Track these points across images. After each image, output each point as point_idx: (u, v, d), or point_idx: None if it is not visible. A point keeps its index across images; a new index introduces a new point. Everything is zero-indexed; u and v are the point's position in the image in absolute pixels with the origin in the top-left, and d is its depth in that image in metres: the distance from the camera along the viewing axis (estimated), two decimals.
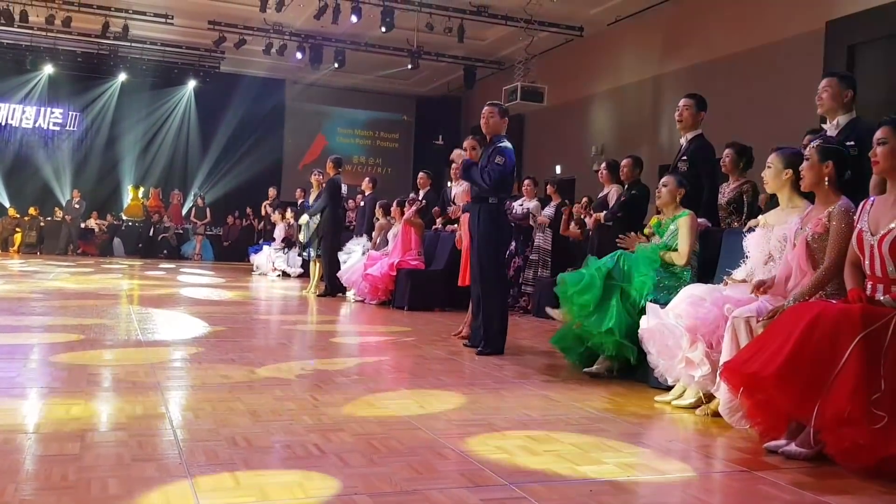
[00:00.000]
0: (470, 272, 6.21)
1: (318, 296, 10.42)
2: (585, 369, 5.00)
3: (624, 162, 7.73)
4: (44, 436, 3.06)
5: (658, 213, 5.33)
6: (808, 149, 3.73)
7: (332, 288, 10.41)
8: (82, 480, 2.55)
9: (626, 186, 7.70)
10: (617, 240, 5.35)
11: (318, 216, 10.52)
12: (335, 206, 10.52)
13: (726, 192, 5.99)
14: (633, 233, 5.34)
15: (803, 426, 3.12)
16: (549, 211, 9.86)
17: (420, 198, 10.24)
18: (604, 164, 8.40)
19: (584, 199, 10.01)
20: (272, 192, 16.75)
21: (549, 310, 5.25)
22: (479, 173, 5.79)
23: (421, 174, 10.91)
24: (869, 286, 3.24)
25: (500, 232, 5.95)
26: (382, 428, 3.38)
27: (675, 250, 4.98)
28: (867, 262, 3.25)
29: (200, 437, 3.11)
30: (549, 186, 10.20)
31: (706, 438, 3.56)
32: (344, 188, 10.57)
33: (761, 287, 3.75)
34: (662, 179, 5.20)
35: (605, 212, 7.84)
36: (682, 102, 5.81)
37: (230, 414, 3.51)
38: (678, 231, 4.99)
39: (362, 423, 3.44)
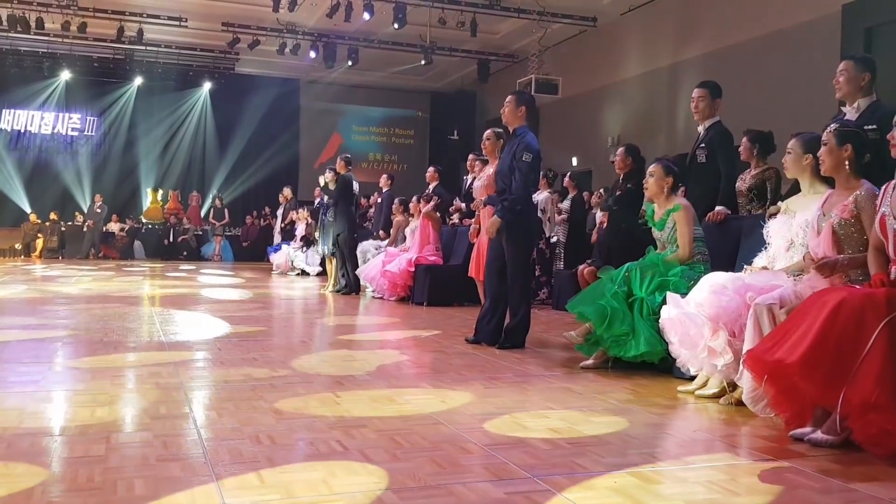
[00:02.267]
0: (486, 266, 6.13)
1: (334, 292, 10.47)
2: (581, 364, 4.95)
3: (619, 152, 7.64)
4: (69, 438, 3.08)
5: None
6: (825, 133, 3.69)
7: (350, 285, 10.44)
8: (108, 481, 2.56)
9: (622, 178, 7.62)
10: None
11: (332, 213, 10.56)
12: (347, 204, 10.55)
13: (747, 178, 5.94)
14: None
15: (829, 413, 3.09)
16: (565, 204, 9.85)
17: (430, 192, 10.26)
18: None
19: (601, 190, 9.99)
20: (288, 191, 16.71)
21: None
22: (511, 181, 5.64)
23: (430, 169, 10.94)
24: (893, 270, 3.20)
25: (529, 226, 5.89)
26: (405, 423, 3.38)
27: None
28: (891, 246, 3.21)
29: (224, 436, 3.13)
30: (566, 179, 10.18)
31: (731, 428, 3.54)
32: (356, 185, 10.63)
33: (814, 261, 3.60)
34: (649, 168, 5.10)
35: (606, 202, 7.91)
36: (695, 93, 5.76)
37: (253, 412, 3.53)
38: (675, 227, 4.91)
39: (385, 419, 3.44)
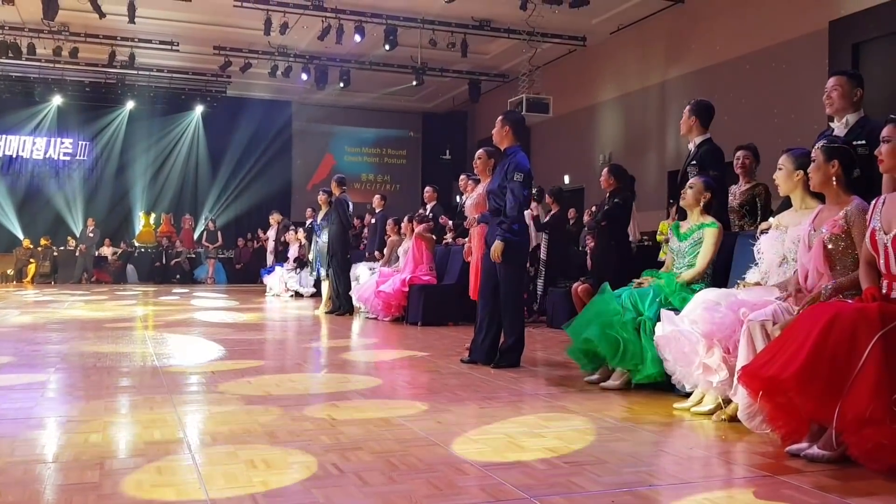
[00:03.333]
0: (480, 285, 6.13)
1: (326, 313, 10.46)
2: (602, 384, 4.89)
3: (604, 172, 7.78)
4: (63, 465, 3.06)
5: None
6: (813, 149, 3.71)
7: (342, 306, 10.45)
8: None
9: (608, 195, 7.72)
10: (633, 285, 5.07)
11: (326, 235, 10.60)
12: (341, 225, 10.59)
13: (738, 194, 5.97)
14: (646, 276, 5.09)
15: (825, 428, 3.08)
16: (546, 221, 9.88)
17: (427, 212, 10.28)
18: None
19: (592, 208, 10.02)
20: (277, 215, 16.58)
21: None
22: (503, 201, 5.68)
23: (427, 188, 11.02)
24: (885, 285, 3.21)
25: (520, 244, 5.89)
26: (401, 445, 3.36)
27: (692, 264, 4.91)
28: (882, 261, 3.23)
29: (219, 461, 3.11)
30: (546, 196, 10.19)
31: (727, 444, 3.53)
32: (350, 206, 10.71)
33: (789, 292, 3.67)
34: (690, 181, 5.07)
35: (592, 220, 7.97)
36: (685, 110, 5.81)
37: (248, 436, 3.51)
38: (702, 242, 4.87)
39: (380, 441, 3.43)
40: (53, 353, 6.28)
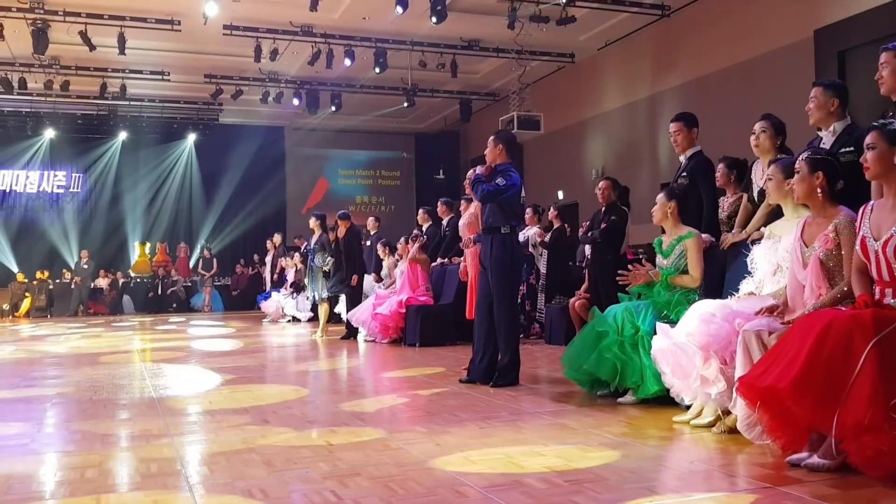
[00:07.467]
0: (476, 304, 6.12)
1: (341, 339, 10.41)
2: (619, 399, 4.85)
3: (601, 184, 7.76)
4: (60, 502, 3.03)
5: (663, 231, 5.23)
6: (797, 161, 3.73)
7: (348, 330, 10.45)
8: None
9: (604, 210, 7.72)
10: (619, 279, 5.10)
11: (330, 259, 10.60)
12: (355, 254, 10.65)
13: (725, 205, 5.98)
14: (635, 266, 5.08)
15: (824, 437, 3.07)
16: (547, 237, 9.89)
17: (423, 234, 10.31)
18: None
19: (585, 223, 10.03)
20: (277, 238, 16.71)
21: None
22: (492, 216, 5.80)
23: (420, 211, 11.05)
24: (877, 291, 3.21)
25: (514, 261, 5.89)
26: (400, 469, 3.34)
27: (684, 272, 4.91)
28: (873, 268, 3.23)
29: (217, 492, 3.08)
30: (551, 210, 10.23)
31: (728, 457, 3.52)
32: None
33: (774, 311, 3.69)
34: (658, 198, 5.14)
35: (587, 235, 7.99)
36: (672, 127, 5.84)
37: (245, 466, 3.48)
38: (686, 253, 4.90)
39: (379, 466, 3.40)
40: (49, 387, 6.24)
